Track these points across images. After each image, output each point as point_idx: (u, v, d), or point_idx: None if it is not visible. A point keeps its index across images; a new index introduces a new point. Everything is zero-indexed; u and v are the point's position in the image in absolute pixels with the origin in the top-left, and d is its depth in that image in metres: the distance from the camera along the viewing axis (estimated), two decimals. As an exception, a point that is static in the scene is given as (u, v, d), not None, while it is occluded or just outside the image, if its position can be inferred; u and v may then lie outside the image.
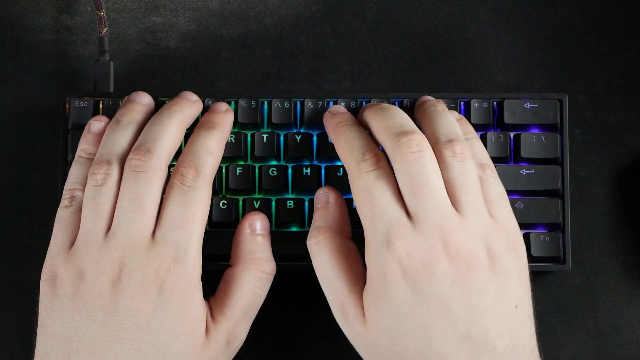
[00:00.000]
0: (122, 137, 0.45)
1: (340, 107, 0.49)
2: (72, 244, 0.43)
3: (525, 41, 0.56)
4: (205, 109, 0.49)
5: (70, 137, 0.50)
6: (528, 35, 0.56)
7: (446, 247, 0.40)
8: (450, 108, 0.50)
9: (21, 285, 0.54)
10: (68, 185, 0.45)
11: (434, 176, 0.41)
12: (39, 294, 0.43)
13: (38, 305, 0.43)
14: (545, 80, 0.56)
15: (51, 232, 0.54)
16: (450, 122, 0.45)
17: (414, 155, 0.41)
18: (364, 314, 0.42)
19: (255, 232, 0.47)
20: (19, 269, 0.54)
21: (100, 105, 0.51)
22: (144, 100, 0.48)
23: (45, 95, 0.55)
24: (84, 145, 0.47)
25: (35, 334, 0.43)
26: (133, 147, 0.44)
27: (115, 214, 0.43)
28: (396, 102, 0.51)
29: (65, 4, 0.57)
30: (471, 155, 0.43)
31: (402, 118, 0.44)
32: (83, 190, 0.44)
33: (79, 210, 0.44)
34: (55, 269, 0.43)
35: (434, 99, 0.49)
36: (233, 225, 0.50)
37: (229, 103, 0.51)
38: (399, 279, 0.40)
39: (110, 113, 0.50)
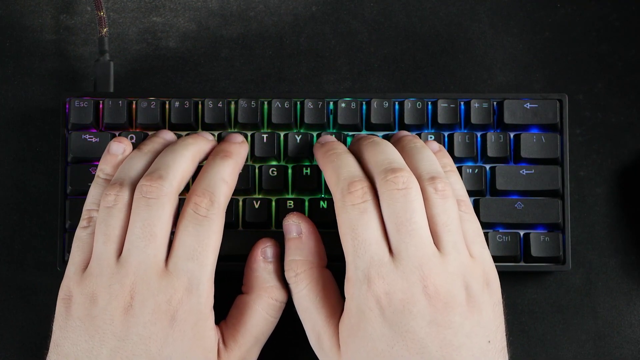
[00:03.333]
0: (139, 162, 0.45)
1: (330, 137, 0.49)
2: (87, 265, 0.43)
3: (525, 41, 0.56)
4: (220, 140, 0.49)
5: (71, 137, 0.50)
6: (528, 35, 0.56)
7: (425, 287, 0.40)
8: (450, 108, 0.51)
9: (21, 285, 0.54)
10: (87, 206, 0.45)
11: (418, 214, 0.41)
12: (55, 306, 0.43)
13: (53, 321, 0.43)
14: (545, 80, 0.56)
15: (51, 232, 0.54)
16: (431, 158, 0.45)
17: (400, 192, 0.41)
18: (339, 344, 0.43)
19: (267, 259, 0.47)
20: (19, 269, 0.54)
21: (100, 105, 0.51)
22: (168, 137, 0.48)
23: (45, 95, 0.55)
24: (103, 166, 0.46)
25: (47, 350, 0.43)
26: (145, 173, 0.43)
27: (126, 239, 0.42)
28: (396, 102, 0.51)
29: (65, 4, 0.57)
30: (452, 192, 0.43)
31: (392, 154, 0.44)
32: None
33: None
34: (70, 289, 0.43)
35: (410, 134, 0.49)
36: (233, 225, 0.50)
37: (229, 103, 0.51)
38: (376, 316, 0.40)
39: (111, 113, 0.51)
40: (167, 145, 0.47)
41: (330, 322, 0.44)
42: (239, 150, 0.47)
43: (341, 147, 0.47)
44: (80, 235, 0.44)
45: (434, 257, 0.41)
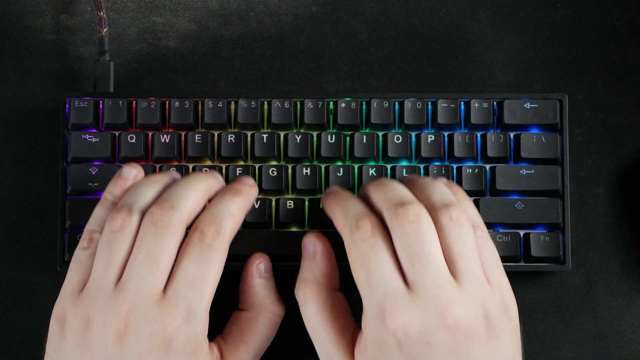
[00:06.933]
0: (149, 189, 0.45)
1: (337, 187, 0.49)
2: (84, 286, 0.42)
3: (525, 41, 0.56)
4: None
5: (71, 137, 0.50)
6: (528, 35, 0.56)
7: (444, 319, 0.40)
8: (450, 108, 0.51)
9: (21, 285, 0.54)
10: (89, 226, 0.45)
11: (431, 245, 0.41)
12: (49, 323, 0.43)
13: (46, 341, 0.43)
14: (545, 80, 0.56)
15: (51, 232, 0.54)
16: (442, 189, 0.44)
17: (411, 225, 0.41)
18: None
19: (262, 275, 0.47)
20: (19, 269, 0.54)
21: (100, 105, 0.51)
22: (176, 176, 0.48)
23: (45, 95, 0.55)
24: (111, 188, 0.46)
25: None
26: (157, 201, 0.43)
27: (128, 264, 0.42)
28: (396, 102, 0.51)
29: (65, 4, 0.57)
30: (467, 219, 0.42)
31: (401, 190, 0.44)
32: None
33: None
34: (65, 310, 0.42)
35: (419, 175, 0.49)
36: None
37: (229, 103, 0.51)
38: (394, 349, 0.40)
39: (111, 113, 0.51)
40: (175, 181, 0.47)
41: (340, 345, 0.43)
42: (249, 190, 0.47)
43: (348, 193, 0.46)
44: (80, 256, 0.44)
45: (451, 286, 0.40)
